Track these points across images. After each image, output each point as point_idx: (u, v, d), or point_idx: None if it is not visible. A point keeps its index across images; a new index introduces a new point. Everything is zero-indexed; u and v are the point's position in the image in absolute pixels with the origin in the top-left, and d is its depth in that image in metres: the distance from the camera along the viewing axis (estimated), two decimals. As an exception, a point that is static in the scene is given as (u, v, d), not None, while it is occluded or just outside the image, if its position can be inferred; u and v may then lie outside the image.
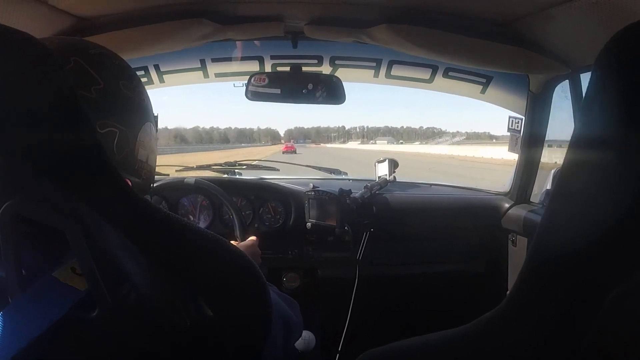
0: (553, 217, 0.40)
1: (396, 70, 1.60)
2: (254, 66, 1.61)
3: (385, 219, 1.57)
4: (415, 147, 54.19)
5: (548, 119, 1.46)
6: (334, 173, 1.90)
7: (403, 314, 1.63)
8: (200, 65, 1.59)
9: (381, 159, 1.74)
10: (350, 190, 1.48)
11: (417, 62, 1.55)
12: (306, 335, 1.17)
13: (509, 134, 1.58)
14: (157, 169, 0.69)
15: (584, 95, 0.41)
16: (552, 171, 1.46)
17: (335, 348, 1.44)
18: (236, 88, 1.63)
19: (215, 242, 0.49)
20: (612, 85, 0.35)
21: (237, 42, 1.50)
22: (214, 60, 1.58)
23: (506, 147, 1.62)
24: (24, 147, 0.39)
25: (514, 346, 0.41)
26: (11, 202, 0.42)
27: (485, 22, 1.16)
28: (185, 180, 1.30)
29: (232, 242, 1.05)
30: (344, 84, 1.40)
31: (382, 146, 71.27)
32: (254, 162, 1.93)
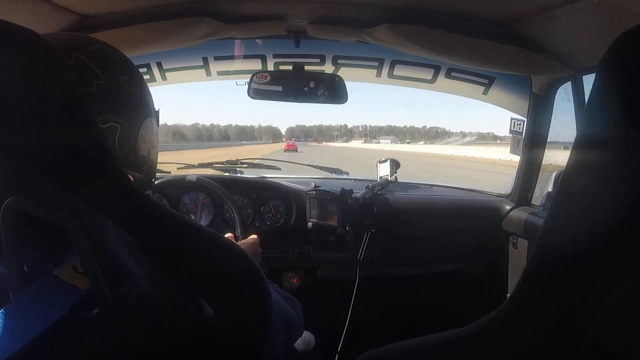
0: (554, 218, 0.40)
1: (399, 70, 1.59)
2: (256, 65, 1.61)
3: (387, 219, 1.57)
4: (424, 147, 51.85)
5: (550, 120, 1.45)
6: (335, 173, 1.90)
7: (403, 314, 1.63)
8: (202, 63, 1.59)
9: (383, 159, 1.74)
10: (351, 190, 1.48)
11: (419, 62, 1.55)
12: (306, 335, 1.17)
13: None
14: (158, 167, 0.69)
15: (586, 97, 0.41)
16: (554, 173, 1.45)
17: (335, 348, 1.44)
18: (238, 86, 1.63)
19: (216, 240, 0.49)
20: (615, 87, 0.35)
21: (239, 40, 1.50)
22: (217, 58, 1.58)
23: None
24: (25, 144, 0.39)
25: (514, 346, 0.41)
26: (12, 199, 0.42)
27: (487, 23, 1.15)
28: (186, 178, 1.30)
29: (228, 235, 1.05)
30: (346, 83, 1.40)
31: (387, 145, 69.39)
32: (256, 161, 1.94)
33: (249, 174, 1.77)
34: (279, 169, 1.82)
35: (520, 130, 1.52)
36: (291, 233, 1.54)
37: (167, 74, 1.60)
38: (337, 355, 1.44)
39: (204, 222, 1.52)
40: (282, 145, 46.79)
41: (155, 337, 0.46)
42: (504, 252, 1.58)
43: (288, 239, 1.54)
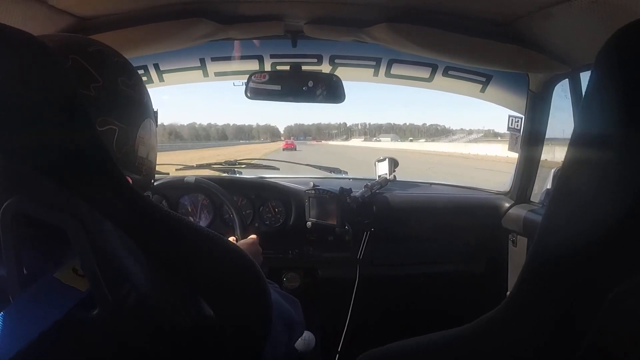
0: (553, 217, 0.40)
1: (396, 69, 1.60)
2: (253, 65, 1.61)
3: (386, 218, 1.57)
4: (428, 145, 49.57)
5: (548, 117, 1.46)
6: (334, 172, 1.90)
7: (403, 314, 1.63)
8: (199, 64, 1.59)
9: (381, 157, 1.74)
10: (350, 189, 1.48)
11: (416, 61, 1.55)
12: (306, 335, 1.17)
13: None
14: (157, 168, 0.69)
15: (583, 94, 0.41)
16: (553, 170, 1.45)
17: (335, 348, 1.44)
18: (236, 87, 1.63)
19: (215, 241, 0.49)
20: (612, 83, 0.35)
21: (236, 41, 1.50)
22: (214, 59, 1.58)
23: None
24: (24, 145, 0.39)
25: (514, 346, 0.41)
26: (12, 200, 0.42)
27: (485, 22, 1.16)
28: (185, 179, 1.30)
29: (231, 238, 1.05)
30: (344, 82, 1.40)
31: (389, 144, 68.26)
32: (254, 161, 1.93)
33: (248, 174, 1.76)
34: (278, 169, 1.82)
35: (518, 128, 1.53)
36: (290, 233, 1.54)
37: (164, 75, 1.60)
38: (337, 355, 1.44)
39: (203, 223, 1.52)
40: (280, 145, 46.64)
41: (155, 338, 0.46)
42: (504, 250, 1.58)
43: (287, 239, 1.54)
